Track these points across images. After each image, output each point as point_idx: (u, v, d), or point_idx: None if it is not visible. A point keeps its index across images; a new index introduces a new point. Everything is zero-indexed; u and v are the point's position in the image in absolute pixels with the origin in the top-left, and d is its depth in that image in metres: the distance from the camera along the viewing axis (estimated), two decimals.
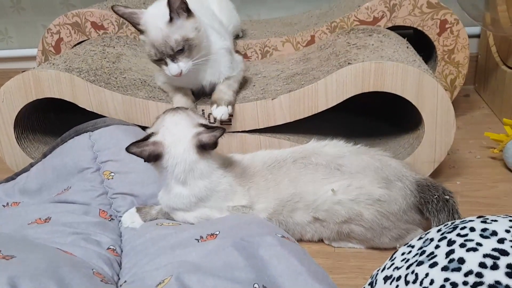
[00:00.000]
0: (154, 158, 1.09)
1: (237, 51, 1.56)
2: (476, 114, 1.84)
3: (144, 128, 1.31)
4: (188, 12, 1.27)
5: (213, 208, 1.14)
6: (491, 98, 1.88)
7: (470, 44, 1.66)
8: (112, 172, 1.25)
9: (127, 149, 1.05)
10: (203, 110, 1.38)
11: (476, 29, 1.97)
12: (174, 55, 1.26)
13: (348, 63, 1.29)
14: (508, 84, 1.69)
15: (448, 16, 1.59)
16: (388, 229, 1.11)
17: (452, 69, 1.68)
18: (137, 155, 1.07)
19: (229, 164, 1.18)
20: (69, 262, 0.89)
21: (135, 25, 1.27)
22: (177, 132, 1.11)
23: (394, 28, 1.62)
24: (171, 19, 1.24)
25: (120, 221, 1.20)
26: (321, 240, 1.19)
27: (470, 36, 1.69)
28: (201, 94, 1.43)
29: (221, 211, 1.14)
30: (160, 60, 1.28)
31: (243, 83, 1.47)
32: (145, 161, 1.09)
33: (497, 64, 1.79)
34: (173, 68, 1.26)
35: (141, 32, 1.27)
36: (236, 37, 1.76)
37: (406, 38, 1.55)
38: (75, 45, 1.77)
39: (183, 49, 1.25)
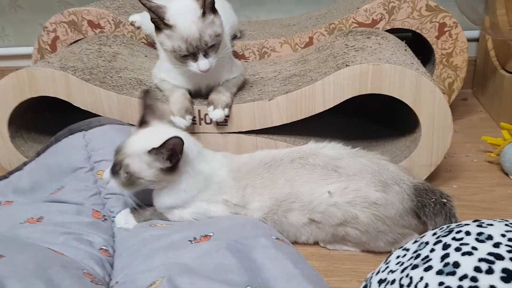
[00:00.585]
0: (181, 150, 1.08)
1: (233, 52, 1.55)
2: (474, 118, 1.84)
3: None
4: (214, 9, 1.26)
5: (209, 201, 1.14)
6: (489, 102, 1.87)
7: (469, 48, 1.66)
8: None
9: (174, 140, 1.03)
10: (199, 111, 1.37)
11: (475, 33, 1.96)
12: (206, 50, 1.24)
13: (346, 65, 1.28)
14: (506, 88, 1.69)
15: (447, 19, 1.59)
16: (384, 233, 1.10)
17: (450, 73, 1.67)
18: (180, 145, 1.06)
19: (226, 160, 1.19)
20: (59, 262, 0.88)
21: (161, 19, 1.23)
22: (165, 129, 1.14)
23: (392, 31, 1.62)
24: (204, 14, 1.23)
25: (113, 221, 1.19)
26: (316, 243, 1.18)
27: (469, 40, 1.69)
28: (197, 96, 1.42)
29: (217, 204, 1.14)
30: (187, 56, 1.25)
31: (241, 85, 1.46)
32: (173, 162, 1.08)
33: (496, 68, 1.78)
34: (204, 63, 1.24)
35: (167, 26, 1.23)
36: (234, 37, 1.76)
37: (404, 41, 1.54)
38: (71, 44, 1.76)
39: (215, 44, 1.25)
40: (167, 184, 1.12)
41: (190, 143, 1.14)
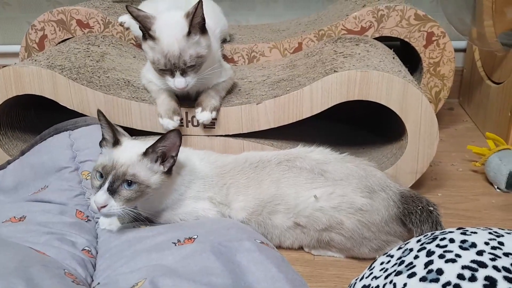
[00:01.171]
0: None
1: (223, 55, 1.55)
2: (460, 128, 1.85)
3: (125, 128, 1.29)
4: (203, 29, 1.25)
5: (196, 198, 1.14)
6: (474, 112, 1.89)
7: (456, 58, 1.67)
8: (90, 172, 1.22)
9: (172, 133, 1.04)
10: (186, 113, 1.37)
11: (462, 43, 1.99)
12: (185, 69, 1.24)
13: (334, 70, 1.29)
14: (492, 98, 1.71)
15: (435, 29, 1.60)
16: (369, 240, 1.11)
17: (437, 82, 1.69)
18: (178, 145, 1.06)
19: (209, 157, 1.20)
20: (40, 261, 0.87)
21: (146, 29, 1.22)
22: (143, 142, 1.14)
23: (381, 39, 1.63)
24: (189, 33, 1.22)
25: (97, 222, 1.18)
26: (300, 248, 1.18)
27: (456, 50, 1.70)
28: (186, 99, 1.41)
29: (204, 201, 1.14)
30: (166, 71, 1.25)
31: (230, 88, 1.46)
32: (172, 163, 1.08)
33: (482, 79, 1.80)
34: (180, 81, 1.24)
35: (151, 38, 1.23)
36: (224, 41, 1.75)
37: (392, 49, 1.55)
38: (59, 43, 1.75)
39: (195, 65, 1.24)
40: (165, 188, 1.10)
41: None
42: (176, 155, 1.08)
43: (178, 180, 1.13)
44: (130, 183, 1.03)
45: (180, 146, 1.07)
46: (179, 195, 1.13)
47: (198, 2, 1.20)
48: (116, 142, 1.09)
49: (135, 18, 1.22)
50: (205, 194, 1.14)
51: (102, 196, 1.01)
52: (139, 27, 1.24)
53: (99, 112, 1.10)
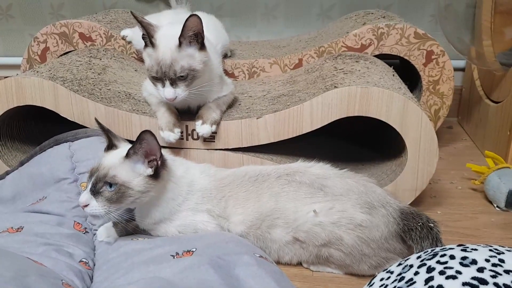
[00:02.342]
0: (163, 161, 1.10)
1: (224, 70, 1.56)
2: (459, 146, 1.86)
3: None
4: (202, 45, 1.26)
5: (194, 210, 1.13)
6: (473, 131, 1.90)
7: (455, 77, 1.69)
8: None
9: (144, 133, 1.03)
10: (187, 126, 1.37)
11: (461, 63, 2.00)
12: (175, 80, 1.24)
13: (335, 86, 1.29)
14: (491, 117, 1.71)
15: (435, 47, 1.61)
16: (368, 256, 1.10)
17: (436, 100, 1.69)
18: (159, 146, 1.06)
19: (209, 169, 1.21)
20: (38, 271, 0.86)
21: (150, 36, 1.24)
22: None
23: (381, 57, 1.64)
24: (180, 44, 1.23)
25: (94, 234, 1.17)
26: (299, 264, 1.17)
27: (455, 69, 1.72)
28: (187, 113, 1.41)
29: (202, 213, 1.13)
30: (158, 79, 1.26)
31: (231, 103, 1.46)
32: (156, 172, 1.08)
33: (481, 98, 1.81)
34: (169, 92, 1.24)
35: (152, 45, 1.25)
36: (225, 56, 1.77)
37: (392, 67, 1.56)
38: (61, 55, 1.76)
39: (186, 77, 1.25)
40: (156, 193, 1.10)
41: (164, 151, 1.14)
42: (159, 157, 1.07)
43: (176, 190, 1.13)
44: (111, 185, 1.05)
45: (160, 148, 1.07)
46: (177, 206, 1.13)
47: (190, 15, 1.21)
48: (110, 147, 1.13)
49: (140, 23, 1.24)
50: (204, 206, 1.14)
51: (84, 196, 1.06)
52: (142, 34, 1.26)
53: (96, 119, 1.16)
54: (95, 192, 1.05)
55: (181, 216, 1.14)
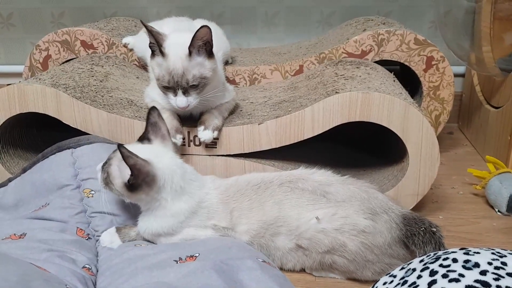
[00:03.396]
0: (142, 176, 1.06)
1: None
2: (459, 151, 1.86)
3: None
4: (210, 53, 1.27)
5: (197, 227, 1.13)
6: (474, 137, 1.90)
7: (455, 83, 1.69)
8: (92, 190, 1.22)
9: (119, 146, 1.02)
10: (188, 132, 1.38)
11: (461, 69, 2.01)
12: (187, 89, 1.25)
13: (336, 92, 1.30)
14: (491, 123, 1.72)
15: (435, 53, 1.62)
16: (372, 263, 1.10)
17: (437, 105, 1.70)
18: (123, 157, 1.02)
19: (214, 184, 1.19)
20: (42, 276, 0.86)
21: (159, 45, 1.25)
22: (150, 150, 1.13)
23: (381, 63, 1.65)
24: (190, 53, 1.24)
25: (97, 240, 1.17)
26: (302, 270, 1.17)
27: (455, 75, 1.72)
28: (189, 118, 1.42)
29: (206, 229, 1.13)
30: (169, 89, 1.26)
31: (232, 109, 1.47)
32: (132, 183, 1.07)
33: (481, 103, 1.82)
34: (181, 100, 1.25)
35: (162, 54, 1.25)
36: (226, 63, 1.77)
37: (392, 73, 1.57)
38: (63, 63, 1.76)
39: (197, 85, 1.26)
40: (145, 205, 1.13)
41: (174, 166, 1.13)
42: (135, 176, 1.06)
43: (177, 207, 1.12)
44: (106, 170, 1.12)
45: (138, 171, 1.06)
46: (178, 223, 1.12)
47: (201, 27, 1.22)
48: (143, 138, 1.19)
49: (150, 32, 1.24)
50: (208, 222, 1.13)
51: (98, 166, 1.17)
52: (150, 43, 1.26)
53: (151, 108, 1.20)
54: (103, 166, 1.14)
55: (183, 232, 1.13)
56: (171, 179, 1.10)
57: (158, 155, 1.12)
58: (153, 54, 1.28)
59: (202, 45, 1.24)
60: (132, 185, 1.07)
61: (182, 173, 1.13)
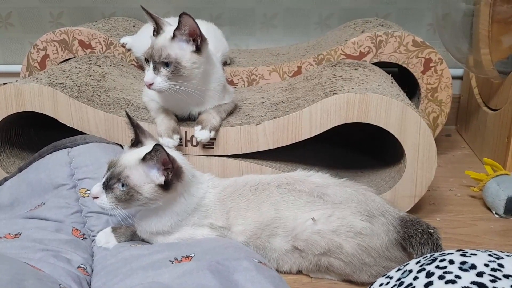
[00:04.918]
0: (179, 172, 1.08)
1: None
2: (457, 154, 1.86)
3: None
4: (197, 48, 1.28)
5: (195, 225, 1.12)
6: (472, 139, 1.90)
7: (453, 86, 1.69)
8: (88, 190, 1.21)
9: (157, 146, 1.02)
10: (186, 132, 1.37)
11: (458, 71, 2.01)
12: (158, 66, 1.24)
13: (334, 93, 1.30)
14: (489, 125, 1.72)
15: (433, 55, 1.62)
16: (369, 266, 1.09)
17: (435, 107, 1.70)
18: (173, 165, 1.05)
19: (212, 182, 1.19)
20: (35, 276, 0.86)
21: (159, 28, 1.29)
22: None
23: (379, 65, 1.64)
24: (174, 36, 1.25)
25: (93, 240, 1.17)
26: (298, 271, 1.16)
27: (453, 78, 1.72)
28: (187, 119, 1.42)
29: (203, 228, 1.13)
30: (147, 62, 1.27)
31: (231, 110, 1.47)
32: (168, 183, 1.06)
33: (479, 106, 1.82)
34: (149, 75, 1.25)
35: (157, 35, 1.29)
36: (224, 64, 1.77)
37: (390, 75, 1.57)
38: (60, 63, 1.76)
39: (168, 65, 1.24)
40: (163, 204, 1.09)
41: (186, 164, 1.13)
42: (171, 169, 1.06)
43: (183, 206, 1.12)
44: (123, 184, 1.05)
45: (171, 159, 1.06)
46: (179, 221, 1.12)
47: (180, 15, 1.23)
48: (135, 143, 1.15)
49: (151, 17, 1.30)
50: (206, 221, 1.13)
51: (96, 188, 1.07)
52: (153, 31, 1.31)
53: (126, 112, 1.19)
54: (107, 187, 1.06)
55: (181, 231, 1.13)
56: (190, 172, 1.13)
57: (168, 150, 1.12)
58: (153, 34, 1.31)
59: (187, 34, 1.25)
60: (168, 184, 1.07)
61: (192, 173, 1.15)
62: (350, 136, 1.59)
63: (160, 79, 1.24)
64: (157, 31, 1.30)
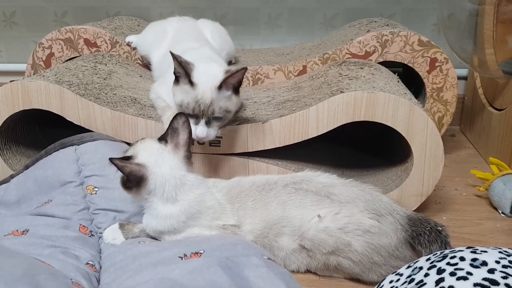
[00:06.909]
0: (136, 179, 1.08)
1: None
2: (462, 154, 1.86)
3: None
4: (237, 90, 1.27)
5: (203, 226, 1.12)
6: (476, 139, 1.90)
7: (458, 86, 1.69)
8: (96, 187, 1.22)
9: (111, 160, 1.04)
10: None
11: (463, 71, 2.01)
12: (210, 120, 1.24)
13: (341, 91, 1.30)
14: (494, 125, 1.72)
15: (438, 55, 1.62)
16: (378, 265, 1.09)
17: (440, 107, 1.70)
18: (119, 169, 1.05)
19: (216, 186, 1.18)
20: (47, 270, 0.86)
21: (187, 74, 1.23)
22: (157, 153, 1.12)
23: (384, 64, 1.64)
24: (220, 87, 1.23)
25: (100, 237, 1.17)
26: (307, 270, 1.16)
27: (458, 78, 1.72)
28: None
29: (211, 229, 1.12)
30: (192, 116, 1.24)
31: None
32: (126, 183, 1.09)
33: (484, 106, 1.82)
34: (202, 130, 1.23)
35: (190, 83, 1.23)
36: (229, 63, 1.77)
37: (396, 74, 1.57)
38: (66, 61, 1.76)
39: (221, 118, 1.25)
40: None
41: (169, 176, 1.10)
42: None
43: (173, 209, 1.11)
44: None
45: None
46: (180, 222, 1.11)
47: (242, 68, 1.22)
48: (162, 139, 1.16)
49: (179, 63, 1.22)
50: (214, 222, 1.12)
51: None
52: (175, 70, 1.24)
53: (177, 114, 1.16)
54: None
55: (187, 231, 1.12)
56: (162, 187, 1.09)
57: (160, 161, 1.11)
58: (177, 80, 1.26)
59: (234, 82, 1.25)
60: (125, 184, 1.10)
61: (179, 185, 1.11)
62: (356, 135, 1.58)
63: (212, 131, 1.26)
64: (188, 78, 1.23)
